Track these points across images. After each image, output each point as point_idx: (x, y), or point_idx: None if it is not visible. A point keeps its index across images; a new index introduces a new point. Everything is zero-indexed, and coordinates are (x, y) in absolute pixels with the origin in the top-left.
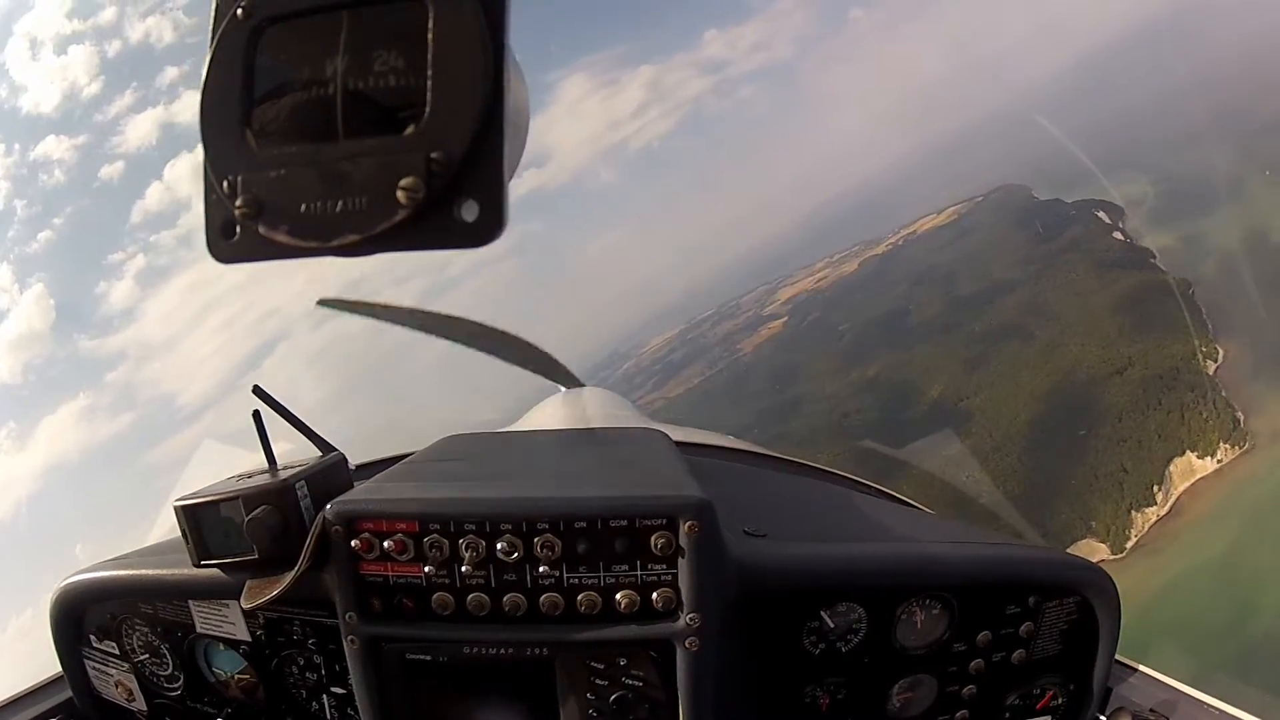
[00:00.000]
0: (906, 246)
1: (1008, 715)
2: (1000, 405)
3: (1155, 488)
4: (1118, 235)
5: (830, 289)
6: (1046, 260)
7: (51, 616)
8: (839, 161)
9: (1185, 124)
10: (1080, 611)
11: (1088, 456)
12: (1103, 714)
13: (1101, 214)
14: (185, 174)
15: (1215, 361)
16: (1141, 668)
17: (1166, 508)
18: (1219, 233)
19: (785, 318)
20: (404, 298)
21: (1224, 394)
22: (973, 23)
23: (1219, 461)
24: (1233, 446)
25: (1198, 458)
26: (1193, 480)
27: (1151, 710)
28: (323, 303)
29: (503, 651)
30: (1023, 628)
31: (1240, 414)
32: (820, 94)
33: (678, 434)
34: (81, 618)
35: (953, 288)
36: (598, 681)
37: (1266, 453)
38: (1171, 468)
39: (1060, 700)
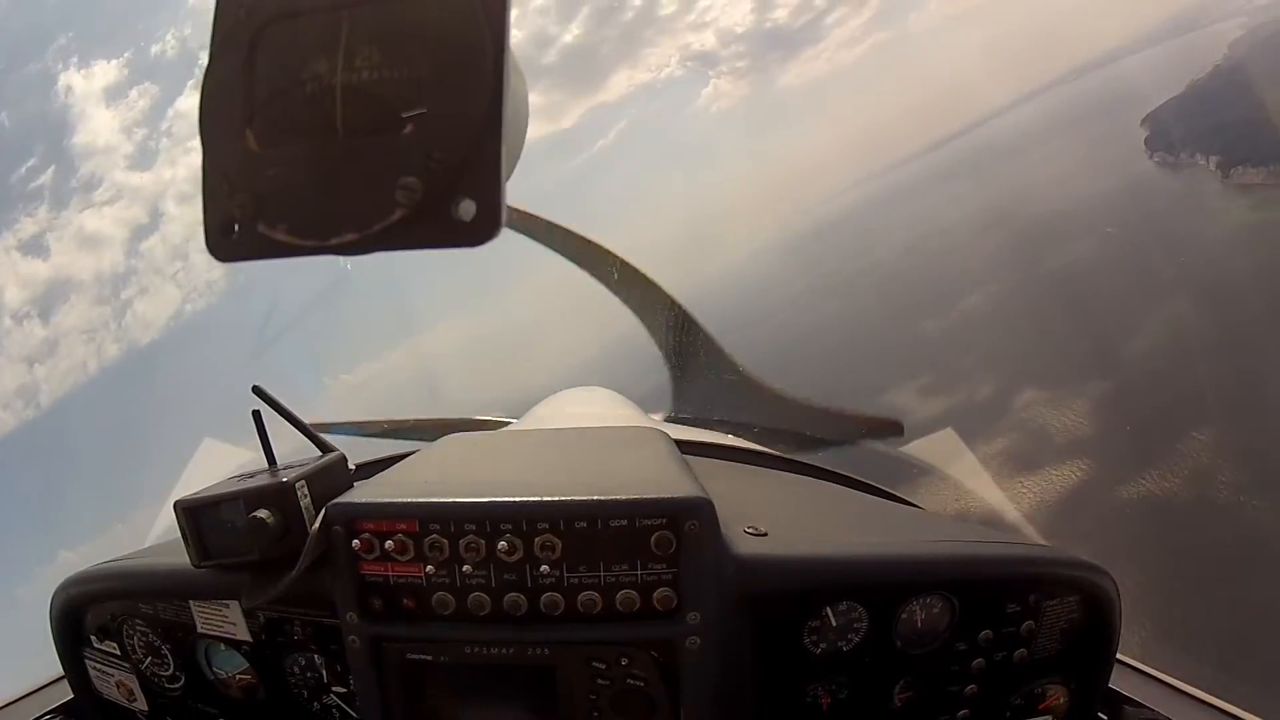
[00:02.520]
0: None
1: (1009, 714)
2: None
3: None
4: None
5: None
6: None
7: (52, 617)
8: None
9: None
10: (1081, 610)
11: None
12: (1104, 713)
13: None
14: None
15: None
16: (1143, 667)
17: None
18: None
19: None
20: None
21: None
22: None
23: None
24: None
25: None
26: None
27: (1153, 710)
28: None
29: (503, 651)
30: (1024, 626)
31: None
32: None
33: (678, 434)
34: (82, 618)
35: None
36: (599, 681)
37: None
38: None
39: (1062, 699)
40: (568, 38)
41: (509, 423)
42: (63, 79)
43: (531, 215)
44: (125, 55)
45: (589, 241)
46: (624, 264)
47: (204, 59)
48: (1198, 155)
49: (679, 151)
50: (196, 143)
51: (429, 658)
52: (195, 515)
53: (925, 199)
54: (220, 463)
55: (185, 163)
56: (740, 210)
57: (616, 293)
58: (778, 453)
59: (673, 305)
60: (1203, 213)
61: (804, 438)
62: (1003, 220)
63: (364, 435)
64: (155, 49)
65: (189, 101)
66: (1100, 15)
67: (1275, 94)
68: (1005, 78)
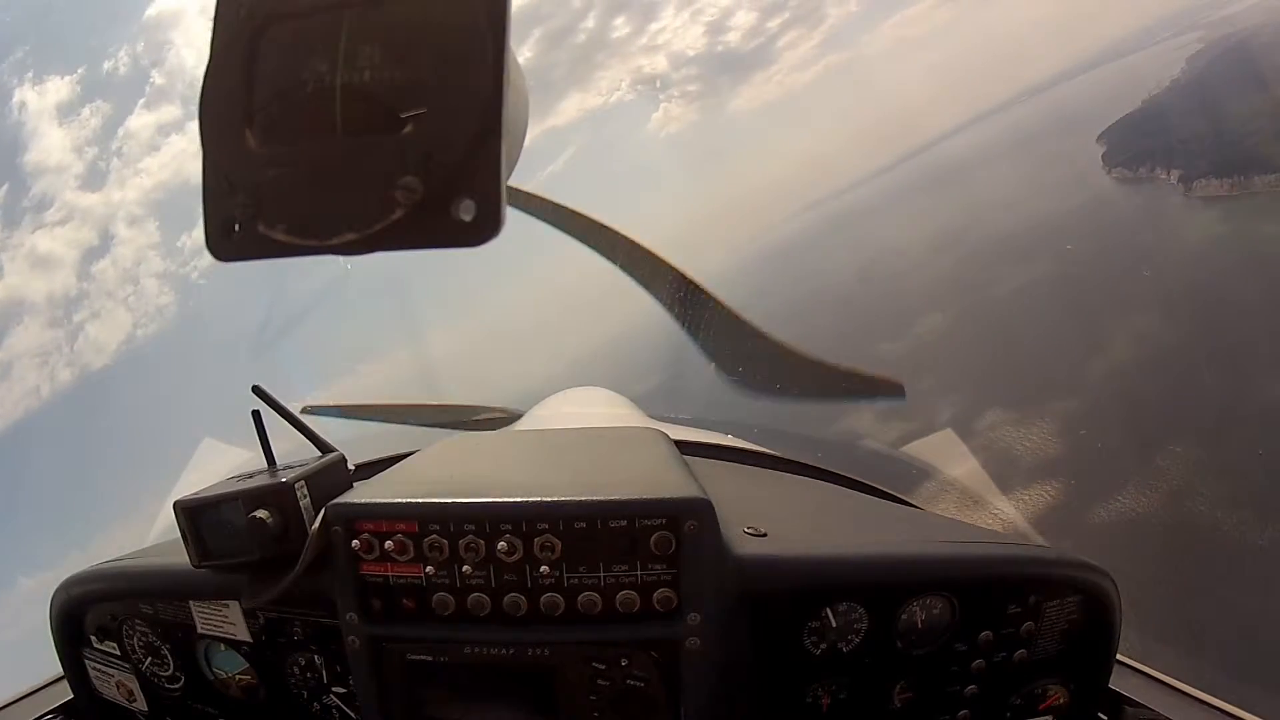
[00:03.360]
0: None
1: (1009, 715)
2: None
3: None
4: None
5: None
6: None
7: (51, 617)
8: None
9: None
10: (1081, 610)
11: None
12: (1104, 713)
13: None
14: None
15: None
16: (1143, 667)
17: None
18: None
19: None
20: None
21: None
22: None
23: None
24: None
25: None
26: None
27: (1153, 709)
28: (308, 410)
29: (503, 651)
30: (1024, 627)
31: None
32: None
33: (678, 434)
34: (82, 619)
35: None
36: (599, 681)
37: None
38: None
39: (1062, 700)
40: (520, 60)
41: (507, 412)
42: (17, 94)
43: (537, 196)
44: (79, 71)
45: (594, 221)
46: (629, 241)
47: (155, 78)
48: (1159, 170)
49: (629, 177)
50: (146, 164)
51: (429, 658)
52: (195, 515)
53: (880, 220)
54: (220, 463)
55: (135, 184)
56: (692, 235)
57: (624, 269)
58: (778, 453)
59: (678, 276)
60: (1166, 227)
61: (804, 438)
62: (959, 241)
63: (358, 419)
64: (108, 65)
65: (139, 121)
66: (1052, 35)
67: (1237, 105)
68: (959, 99)
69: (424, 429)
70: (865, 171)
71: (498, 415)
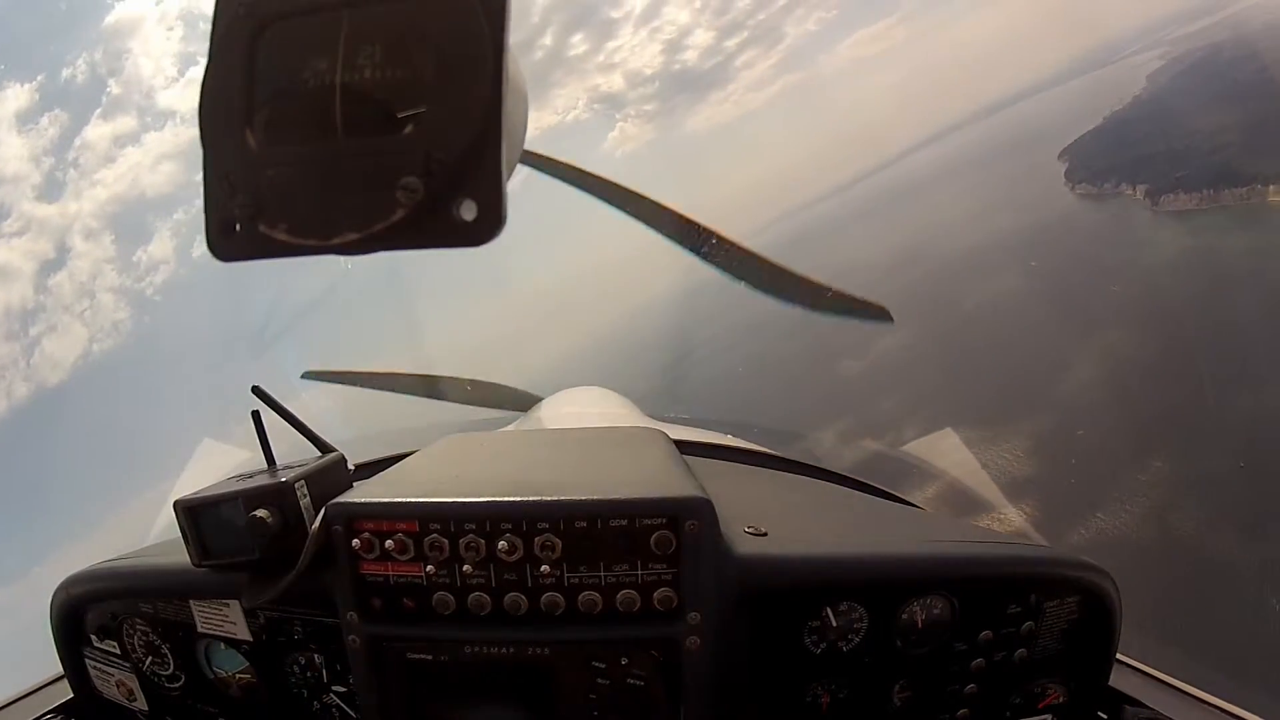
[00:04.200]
0: None
1: (1009, 714)
2: None
3: None
4: None
5: None
6: None
7: (52, 617)
8: None
9: None
10: (1081, 610)
11: None
12: (1104, 713)
13: None
14: None
15: None
16: (1143, 667)
17: None
18: None
19: None
20: None
21: None
22: None
23: None
24: None
25: None
26: None
27: (1153, 709)
28: (308, 375)
29: (504, 651)
30: (1024, 626)
31: None
32: None
33: (678, 434)
34: (82, 618)
35: None
36: (599, 681)
37: None
38: None
39: (1062, 699)
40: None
41: (506, 389)
42: None
43: (545, 156)
44: (38, 79)
45: (600, 178)
46: (634, 193)
47: (113, 88)
48: (1124, 185)
49: (585, 198)
50: (102, 175)
51: (429, 657)
52: (195, 515)
53: (839, 238)
54: (220, 462)
55: (90, 195)
56: (648, 255)
57: (637, 216)
58: (778, 453)
59: (682, 218)
60: (1131, 241)
61: (804, 437)
62: (920, 257)
63: (359, 386)
64: (66, 73)
65: (96, 131)
66: (1010, 54)
67: (1203, 120)
68: (917, 117)
69: (423, 429)
70: (823, 190)
71: (502, 393)
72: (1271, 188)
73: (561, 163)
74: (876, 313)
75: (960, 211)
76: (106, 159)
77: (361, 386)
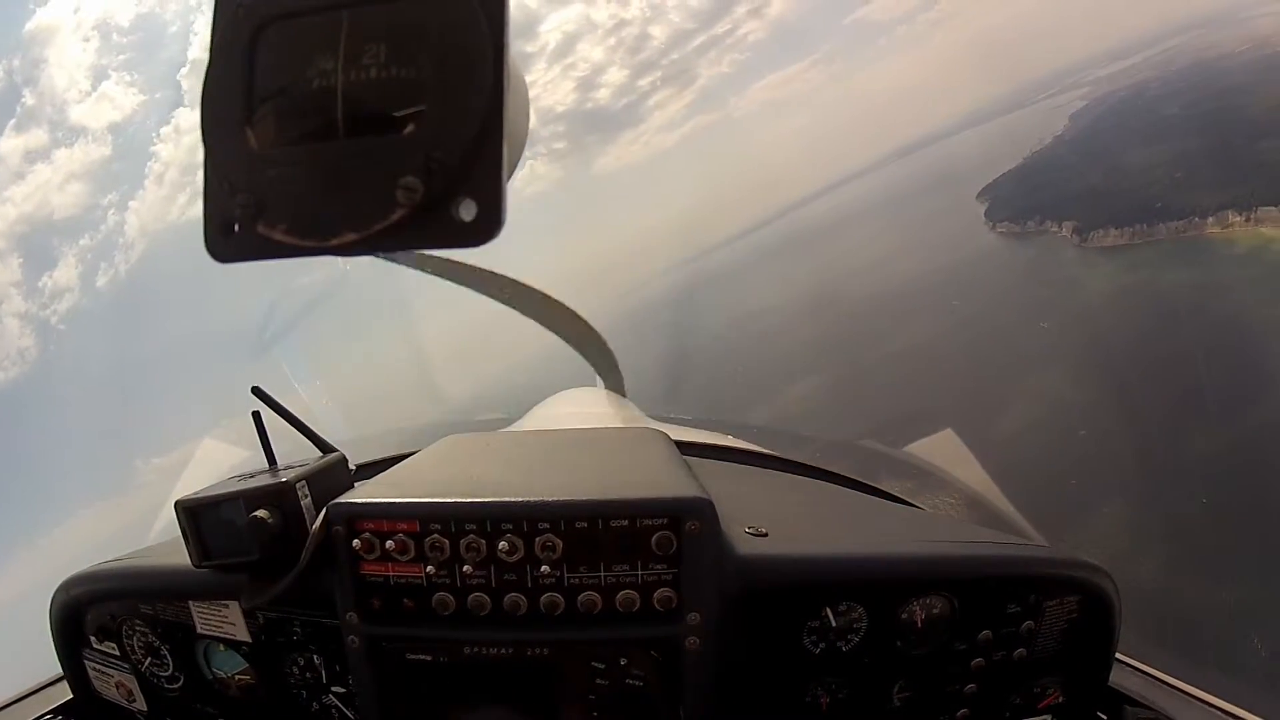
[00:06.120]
0: None
1: (1009, 714)
2: None
3: None
4: None
5: None
6: None
7: (52, 618)
8: None
9: None
10: (1081, 610)
11: None
12: (1104, 713)
13: None
14: None
15: None
16: (1143, 666)
17: None
18: None
19: None
20: None
21: None
22: None
23: None
24: None
25: None
26: None
27: (1153, 709)
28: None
29: (504, 651)
30: (1023, 626)
31: None
32: None
33: (678, 434)
34: (82, 619)
35: None
36: (599, 681)
37: None
38: None
39: (1061, 699)
40: None
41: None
42: None
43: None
44: None
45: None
46: (515, 283)
47: (28, 98)
48: (1049, 223)
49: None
50: (11, 192)
51: (428, 658)
52: (195, 515)
53: (749, 280)
54: (220, 463)
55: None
56: (557, 294)
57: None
58: (778, 453)
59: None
60: (1063, 278)
61: (804, 438)
62: (835, 299)
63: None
64: None
65: (8, 144)
66: (924, 98)
67: (1133, 156)
68: (829, 159)
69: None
70: (733, 231)
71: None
72: (1210, 219)
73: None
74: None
75: (876, 252)
76: (17, 175)
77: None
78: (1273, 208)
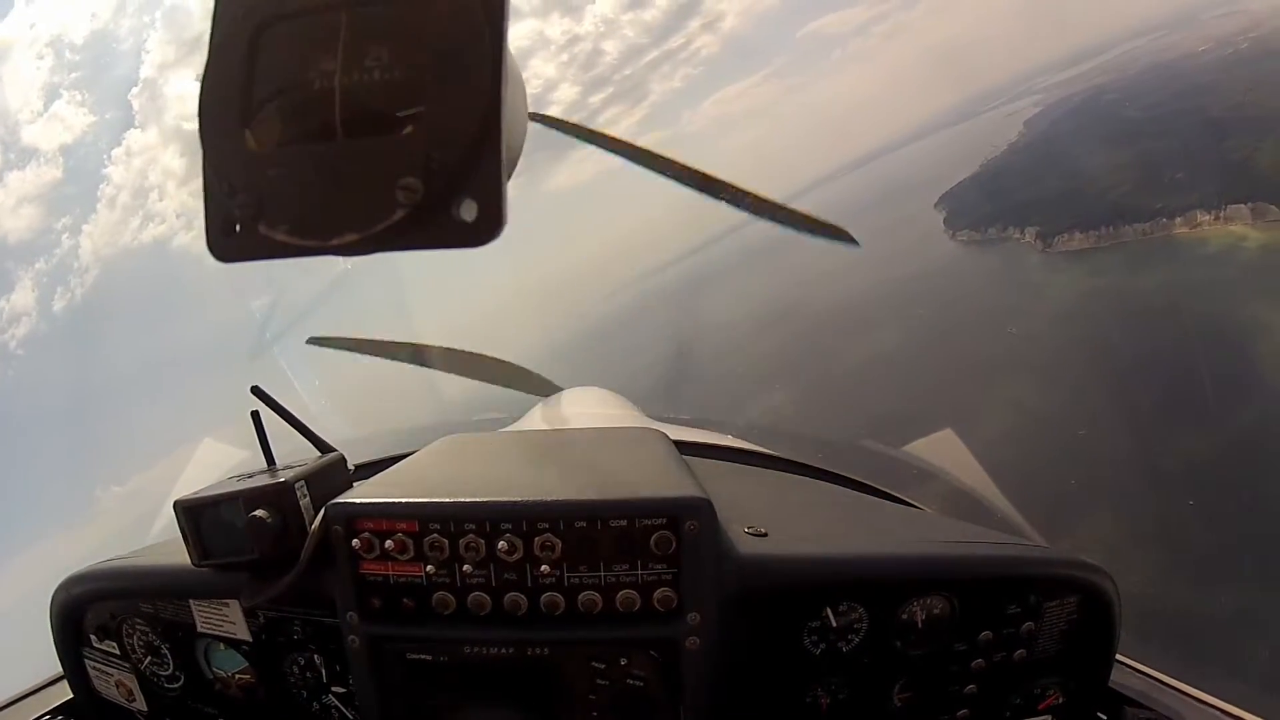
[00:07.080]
0: None
1: (1009, 714)
2: None
3: None
4: None
5: None
6: None
7: (52, 617)
8: None
9: None
10: (1081, 610)
11: None
12: (1104, 713)
13: None
14: None
15: None
16: (1143, 667)
17: None
18: None
19: None
20: None
21: None
22: None
23: None
24: None
25: None
26: None
27: (1153, 710)
28: (312, 341)
29: (503, 651)
30: (1024, 627)
31: None
32: None
33: (678, 434)
34: (82, 618)
35: None
36: (598, 681)
37: None
38: None
39: (1061, 699)
40: None
41: (519, 371)
42: None
43: (556, 118)
44: None
45: (611, 136)
46: (646, 151)
47: None
48: (1010, 229)
49: (437, 258)
50: None
51: (428, 658)
52: (195, 515)
53: (703, 295)
54: (220, 462)
55: None
56: (503, 320)
57: (648, 167)
58: (778, 453)
59: (700, 174)
60: (1028, 283)
61: (804, 438)
62: (791, 313)
63: (368, 354)
64: None
65: None
66: (876, 110)
67: (1093, 160)
68: (782, 171)
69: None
70: (685, 247)
71: (509, 371)
72: (1178, 219)
73: (572, 123)
74: (840, 234)
75: (833, 263)
76: None
77: (372, 355)
78: (1242, 205)
